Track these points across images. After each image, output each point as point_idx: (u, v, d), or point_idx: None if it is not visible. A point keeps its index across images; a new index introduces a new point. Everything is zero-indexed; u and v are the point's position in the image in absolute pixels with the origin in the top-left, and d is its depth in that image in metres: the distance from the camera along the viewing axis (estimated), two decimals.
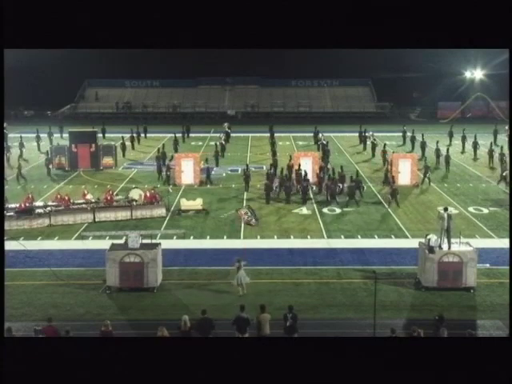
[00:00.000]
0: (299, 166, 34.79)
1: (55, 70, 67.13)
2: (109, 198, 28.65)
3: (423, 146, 43.48)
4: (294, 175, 34.25)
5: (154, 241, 21.48)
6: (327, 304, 19.27)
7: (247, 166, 35.60)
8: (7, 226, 25.30)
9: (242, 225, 27.49)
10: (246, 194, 33.19)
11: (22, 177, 36.76)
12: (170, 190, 32.62)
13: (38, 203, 28.55)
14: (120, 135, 48.31)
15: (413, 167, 35.11)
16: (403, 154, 38.69)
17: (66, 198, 28.53)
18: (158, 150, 40.21)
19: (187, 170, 35.37)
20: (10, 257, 22.05)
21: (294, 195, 32.04)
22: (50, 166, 38.69)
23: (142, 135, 51.33)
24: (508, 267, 19.90)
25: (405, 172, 34.72)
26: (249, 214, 27.16)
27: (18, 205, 27.64)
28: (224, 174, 38.54)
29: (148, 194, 29.04)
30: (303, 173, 33.40)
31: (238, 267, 20.01)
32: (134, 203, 28.63)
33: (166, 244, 22.48)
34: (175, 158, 36.71)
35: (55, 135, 49.88)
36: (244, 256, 20.91)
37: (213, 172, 37.61)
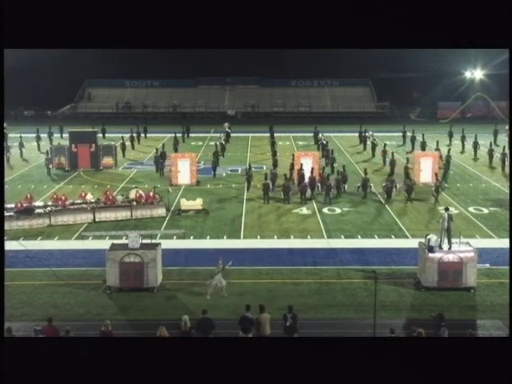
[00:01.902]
0: (301, 166, 34.46)
1: (55, 70, 67.10)
2: (111, 197, 28.72)
3: (423, 146, 43.47)
4: (295, 175, 34.27)
5: (153, 241, 21.48)
6: (327, 304, 19.27)
7: (249, 165, 35.60)
8: (7, 226, 25.29)
9: (242, 225, 27.50)
10: (246, 193, 33.15)
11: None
12: (170, 190, 32.63)
13: (38, 203, 28.54)
14: (120, 135, 48.31)
15: (434, 165, 35.25)
16: (424, 153, 38.70)
17: (63, 197, 28.48)
18: (157, 150, 40.24)
19: (183, 170, 35.39)
20: (10, 257, 22.04)
21: (294, 195, 32.05)
22: (50, 166, 38.70)
23: (142, 135, 51.31)
24: (508, 267, 19.90)
25: (426, 170, 34.76)
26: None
27: (14, 205, 27.53)
28: (224, 174, 38.55)
29: (151, 194, 29.08)
30: (304, 173, 33.34)
31: (220, 269, 19.67)
32: (134, 203, 28.64)
33: (166, 244, 22.46)
34: (172, 158, 36.70)
35: (55, 135, 49.90)
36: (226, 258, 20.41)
37: (212, 172, 37.74)
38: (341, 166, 35.21)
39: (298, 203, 31.05)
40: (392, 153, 39.58)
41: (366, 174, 33.59)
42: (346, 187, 33.03)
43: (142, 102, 72.03)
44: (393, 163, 37.35)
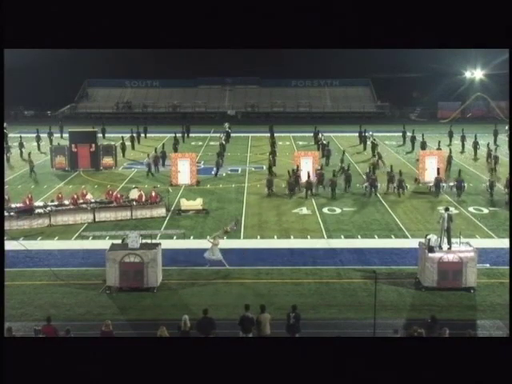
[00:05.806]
0: (321, 166, 35.57)
1: (55, 70, 67.14)
2: (118, 195, 28.93)
3: (423, 145, 43.49)
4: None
5: (153, 241, 21.48)
6: (327, 304, 19.26)
7: (297, 167, 34.77)
8: (7, 225, 25.27)
9: (242, 225, 27.50)
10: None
11: (33, 172, 37.64)
12: (170, 190, 32.63)
13: (38, 203, 28.55)
14: (120, 135, 48.32)
15: (439, 164, 35.30)
16: (430, 151, 38.73)
17: (75, 196, 28.59)
18: (155, 149, 40.24)
19: (183, 170, 35.37)
20: (10, 257, 22.05)
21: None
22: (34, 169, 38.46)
23: (142, 135, 51.34)
24: (508, 267, 19.90)
25: (432, 169, 34.79)
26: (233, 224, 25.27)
27: (18, 204, 27.62)
28: (224, 174, 38.55)
29: (153, 194, 29.09)
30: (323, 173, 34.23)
31: (215, 243, 21.87)
32: (134, 203, 28.65)
33: (166, 244, 22.47)
34: (172, 158, 36.65)
35: (55, 135, 49.88)
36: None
37: (212, 172, 37.69)
38: (343, 166, 35.40)
39: (299, 203, 31.12)
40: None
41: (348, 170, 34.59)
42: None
43: (142, 102, 72.07)
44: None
